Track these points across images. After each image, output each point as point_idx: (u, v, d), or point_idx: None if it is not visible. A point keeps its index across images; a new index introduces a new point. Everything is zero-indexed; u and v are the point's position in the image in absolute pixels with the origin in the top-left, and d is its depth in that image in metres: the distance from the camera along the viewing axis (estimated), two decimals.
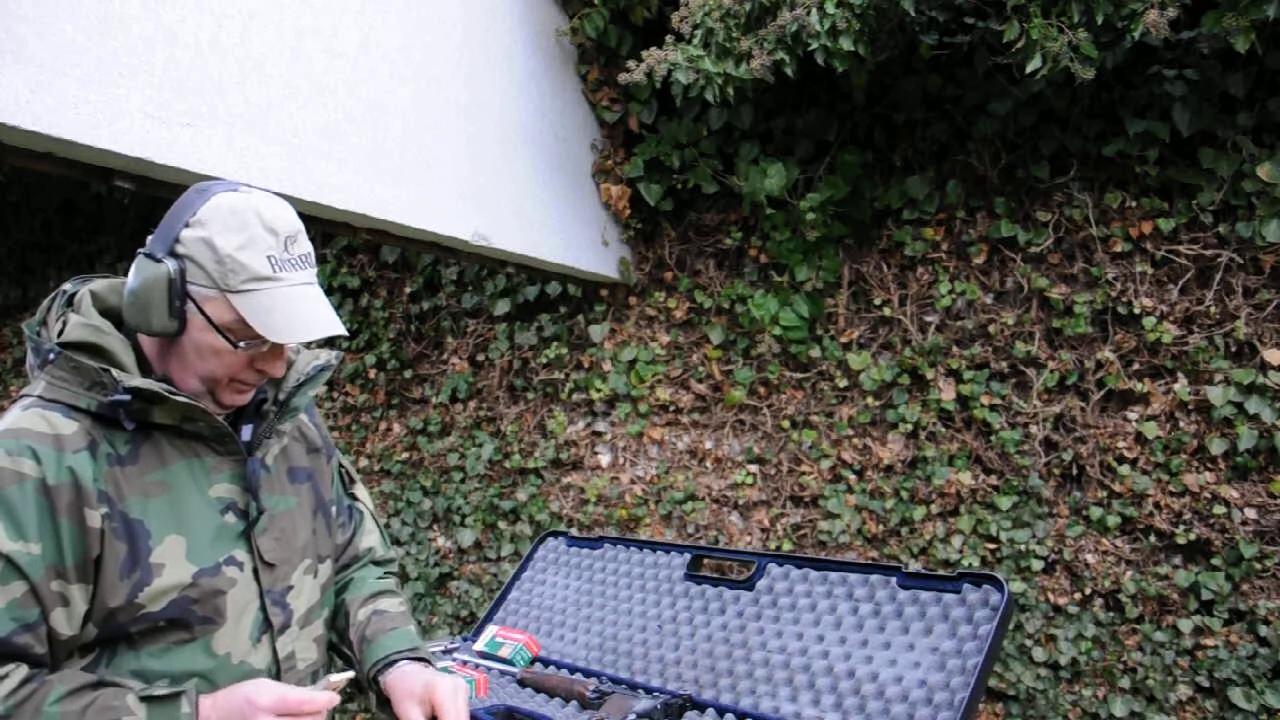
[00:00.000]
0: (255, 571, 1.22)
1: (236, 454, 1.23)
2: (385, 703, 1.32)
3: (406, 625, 1.41)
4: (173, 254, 1.13)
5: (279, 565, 1.26)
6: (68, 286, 1.22)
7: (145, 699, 1.08)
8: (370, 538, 1.54)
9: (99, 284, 1.23)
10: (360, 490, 1.57)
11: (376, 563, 1.53)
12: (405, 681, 1.29)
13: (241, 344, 1.14)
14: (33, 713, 1.03)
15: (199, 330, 1.14)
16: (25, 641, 1.06)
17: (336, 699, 1.12)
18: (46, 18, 1.86)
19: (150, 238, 1.17)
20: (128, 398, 1.10)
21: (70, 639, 1.10)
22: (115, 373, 1.11)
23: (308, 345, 1.40)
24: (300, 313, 1.14)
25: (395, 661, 1.33)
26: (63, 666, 1.11)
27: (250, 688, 1.10)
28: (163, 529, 1.14)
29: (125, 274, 1.20)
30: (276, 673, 1.24)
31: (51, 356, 1.14)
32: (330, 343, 4.61)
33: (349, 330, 4.57)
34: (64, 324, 1.16)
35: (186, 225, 1.13)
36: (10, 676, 1.04)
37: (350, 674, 1.16)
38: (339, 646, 1.42)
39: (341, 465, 1.52)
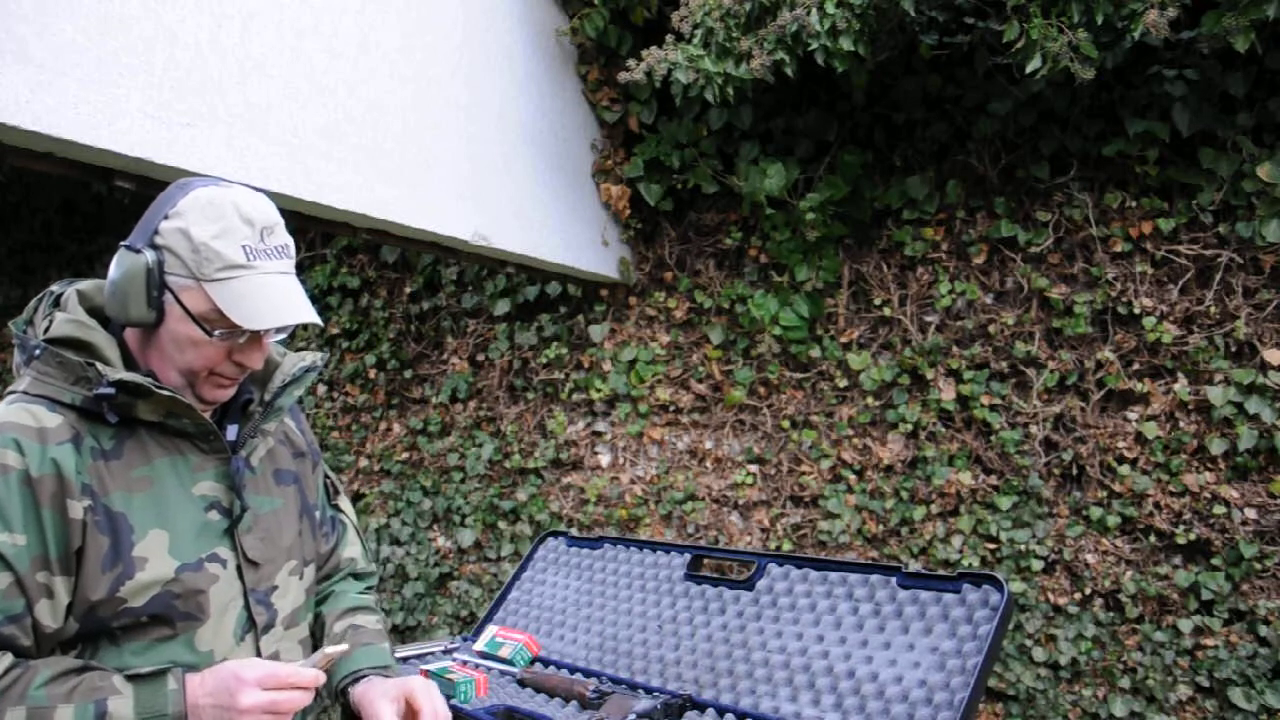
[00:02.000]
0: (239, 569, 1.22)
1: (221, 452, 1.23)
2: (353, 718, 1.31)
3: (381, 643, 1.41)
4: (152, 245, 1.14)
5: (263, 565, 1.25)
6: (55, 288, 1.23)
7: (131, 678, 1.08)
8: (352, 549, 1.54)
9: (85, 284, 1.24)
10: (344, 502, 1.56)
11: (357, 575, 1.52)
12: (375, 686, 1.30)
13: (217, 333, 1.15)
14: (18, 697, 1.03)
15: (176, 320, 1.15)
16: (10, 633, 1.06)
17: (323, 677, 1.11)
18: (46, 18, 1.86)
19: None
20: (112, 391, 1.11)
21: (55, 632, 1.10)
22: (100, 367, 1.12)
23: (288, 343, 1.40)
24: (274, 300, 1.14)
25: (365, 676, 1.33)
26: None
27: (236, 663, 1.10)
28: (146, 523, 1.14)
29: None
30: None
31: (37, 353, 1.14)
32: (330, 343, 4.61)
33: (349, 330, 4.57)
34: (50, 322, 1.16)
35: (165, 217, 1.14)
36: None
37: (343, 647, 1.14)
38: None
39: (327, 475, 1.52)
